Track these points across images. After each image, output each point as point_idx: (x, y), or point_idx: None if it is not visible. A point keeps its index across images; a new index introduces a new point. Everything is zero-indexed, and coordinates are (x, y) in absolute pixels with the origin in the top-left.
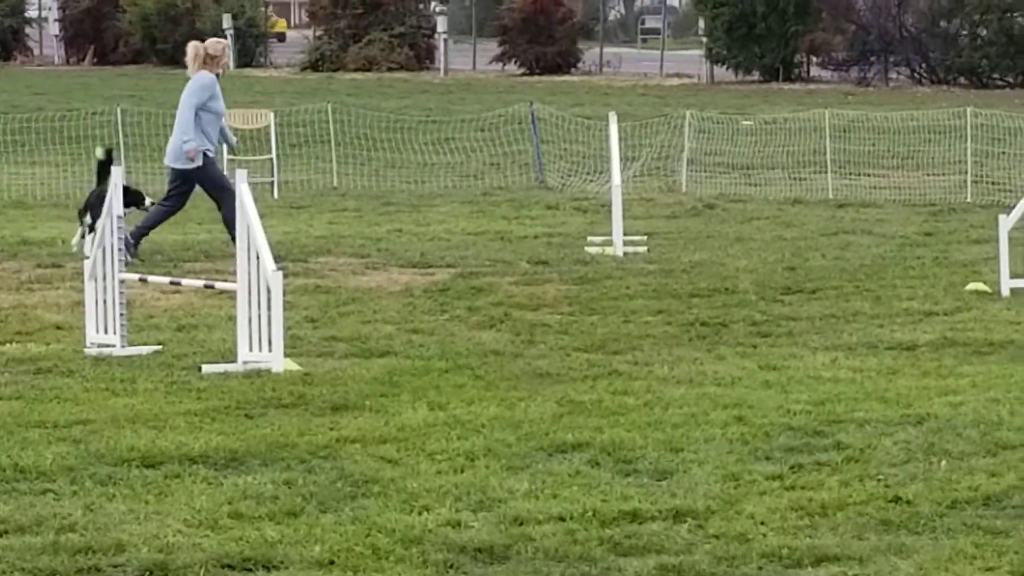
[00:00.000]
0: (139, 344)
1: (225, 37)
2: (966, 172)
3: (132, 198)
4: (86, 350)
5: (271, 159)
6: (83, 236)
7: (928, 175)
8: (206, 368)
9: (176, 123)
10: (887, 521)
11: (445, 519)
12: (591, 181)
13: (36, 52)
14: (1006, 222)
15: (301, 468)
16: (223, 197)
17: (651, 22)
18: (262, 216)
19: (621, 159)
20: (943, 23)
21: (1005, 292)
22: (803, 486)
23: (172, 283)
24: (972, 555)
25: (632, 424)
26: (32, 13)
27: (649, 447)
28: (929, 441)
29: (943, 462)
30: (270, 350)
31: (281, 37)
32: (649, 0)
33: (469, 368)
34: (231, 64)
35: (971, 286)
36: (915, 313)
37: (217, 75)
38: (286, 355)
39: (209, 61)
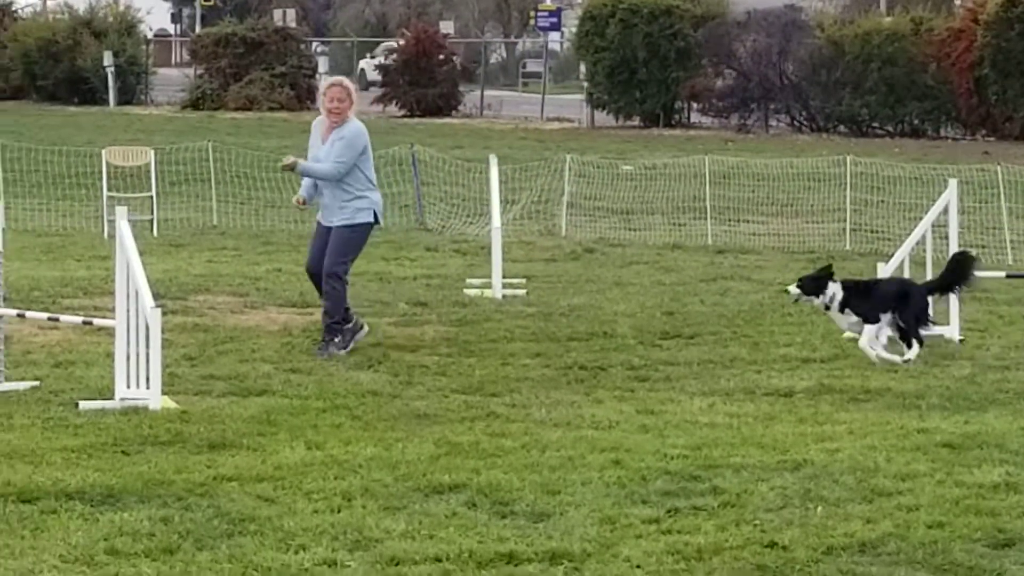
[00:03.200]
0: (16, 379)
1: (107, 74)
2: (845, 220)
3: None
4: None
5: (151, 196)
6: None
7: (807, 222)
8: (83, 404)
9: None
10: (763, 566)
11: (322, 558)
12: (471, 223)
13: None
14: (885, 270)
15: (178, 505)
16: None
17: (532, 66)
18: (141, 253)
19: (501, 202)
20: (824, 71)
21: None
22: (679, 530)
23: (50, 319)
24: None
25: (509, 466)
26: None
27: (526, 489)
28: (805, 487)
29: (819, 508)
30: (148, 387)
31: None
32: (530, 44)
33: (347, 408)
34: (321, 107)
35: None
36: (792, 360)
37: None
38: (164, 392)
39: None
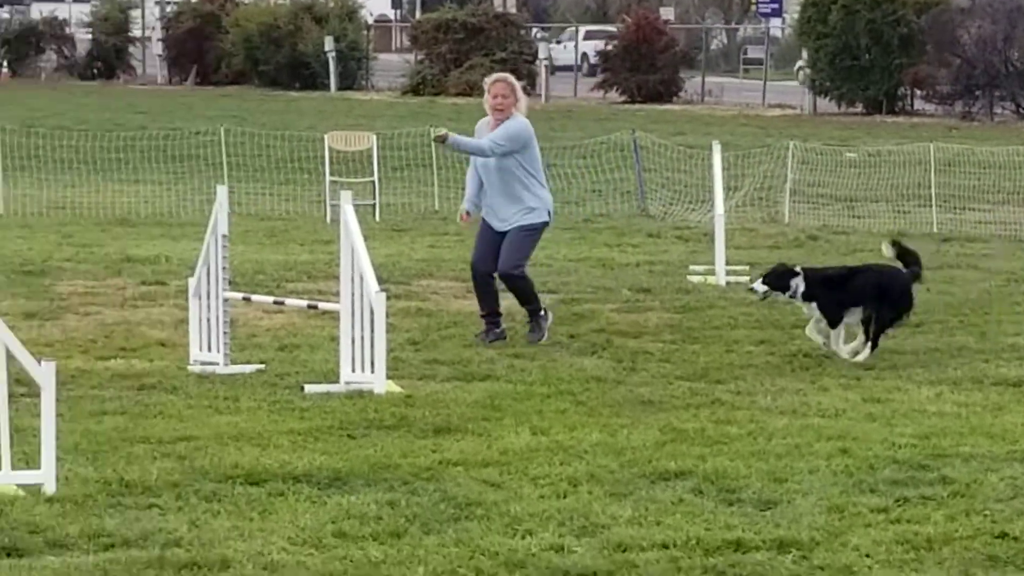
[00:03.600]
0: (242, 362)
1: (327, 59)
2: None
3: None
4: (189, 367)
5: (372, 181)
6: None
7: None
8: (309, 388)
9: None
10: (994, 557)
11: (548, 543)
12: (693, 210)
13: (139, 71)
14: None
15: (404, 489)
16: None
17: (753, 52)
18: (364, 238)
19: (724, 188)
20: None
21: None
22: (909, 520)
23: (276, 303)
24: None
25: (735, 453)
26: (136, 32)
27: (752, 477)
28: None
29: None
30: (372, 371)
31: None
32: (751, 30)
33: (571, 394)
34: (485, 105)
35: None
36: (1021, 349)
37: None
38: (388, 377)
39: None
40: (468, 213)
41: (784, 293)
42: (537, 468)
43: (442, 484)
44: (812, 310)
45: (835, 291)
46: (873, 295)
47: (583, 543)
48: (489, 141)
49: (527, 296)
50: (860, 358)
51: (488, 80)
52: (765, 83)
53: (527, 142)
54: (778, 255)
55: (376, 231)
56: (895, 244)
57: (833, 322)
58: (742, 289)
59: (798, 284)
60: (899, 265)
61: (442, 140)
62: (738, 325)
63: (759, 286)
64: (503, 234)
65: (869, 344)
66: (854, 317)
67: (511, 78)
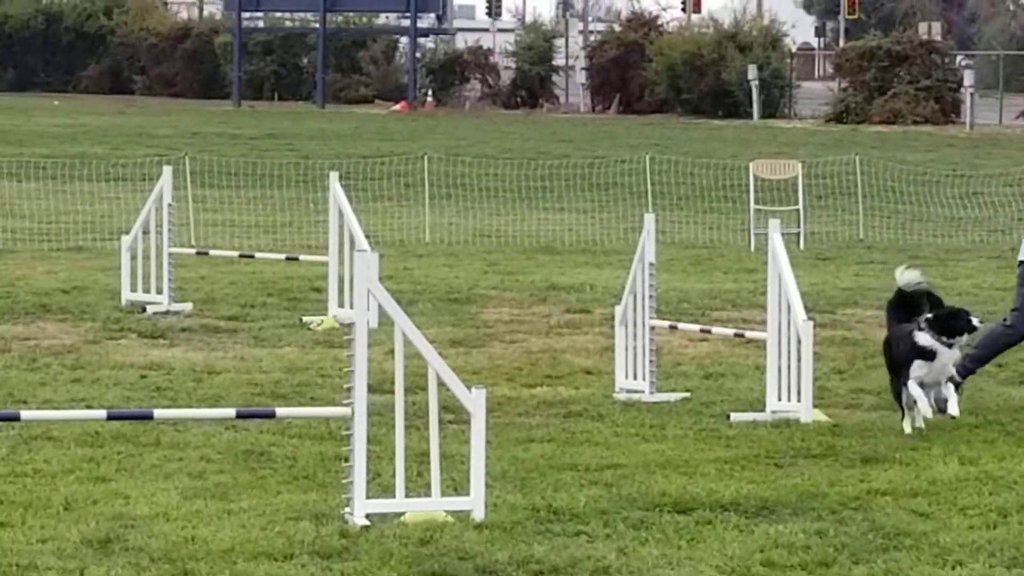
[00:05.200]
0: (668, 391)
1: (751, 87)
2: None
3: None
4: (615, 395)
5: (797, 210)
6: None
7: None
8: (734, 416)
9: None
10: None
11: (978, 574)
12: None
13: (562, 100)
14: None
15: (832, 519)
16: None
17: None
18: (790, 266)
19: None
20: None
21: None
22: None
23: (702, 331)
24: None
25: None
26: (560, 61)
27: None
28: None
29: None
30: (799, 400)
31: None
32: None
33: (999, 423)
34: None
35: None
36: None
37: None
38: (814, 405)
39: None
40: None
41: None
42: (966, 498)
43: (870, 514)
44: None
45: None
46: None
47: (1014, 574)
48: None
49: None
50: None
51: None
52: None
53: None
54: None
55: (801, 259)
56: None
57: None
58: None
59: None
60: None
61: None
62: None
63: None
64: None
65: None
66: None
67: None
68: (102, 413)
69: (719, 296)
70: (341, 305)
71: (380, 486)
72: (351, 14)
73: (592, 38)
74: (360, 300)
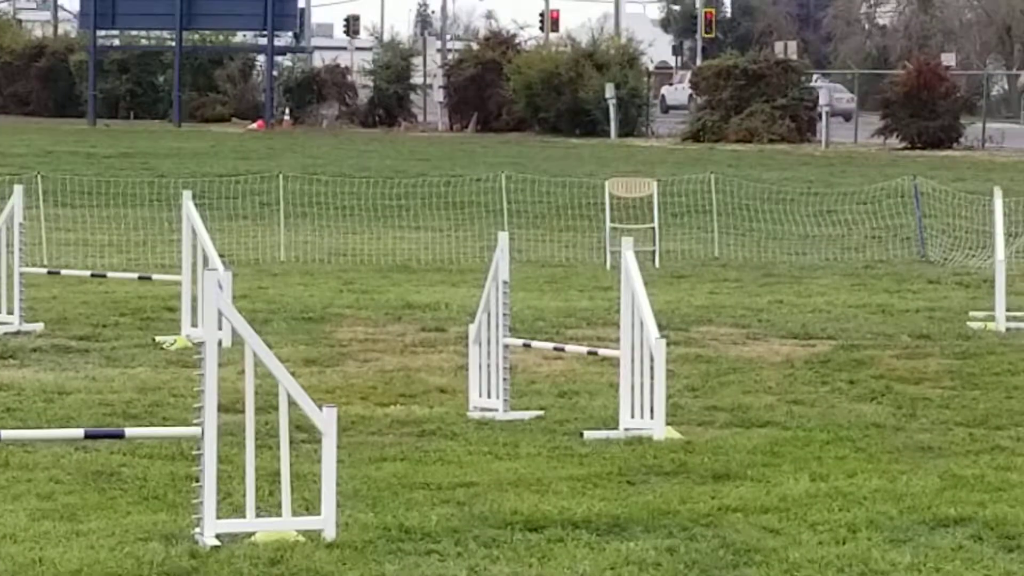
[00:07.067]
0: (521, 409)
1: (608, 106)
2: None
3: None
4: (469, 413)
5: (653, 228)
6: None
7: None
8: (588, 434)
9: None
10: None
11: None
12: (973, 256)
13: (420, 118)
14: None
15: (683, 535)
16: None
17: None
18: (644, 284)
19: (1005, 235)
20: None
21: None
22: None
23: (555, 349)
24: None
25: (1016, 500)
26: (417, 79)
27: None
28: None
29: None
30: (652, 417)
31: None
32: None
33: (850, 440)
34: None
35: None
36: None
37: None
38: (667, 423)
39: None
40: None
41: None
42: (816, 514)
43: (721, 530)
44: None
45: None
46: None
47: None
48: None
49: None
50: None
51: None
52: None
53: None
54: None
55: (656, 277)
56: None
57: None
58: (1023, 335)
59: None
60: None
61: None
62: (1018, 371)
63: None
64: None
65: None
66: None
67: None
68: None
69: (574, 314)
70: (194, 325)
71: (231, 506)
72: (207, 32)
73: (450, 56)
74: (210, 319)
